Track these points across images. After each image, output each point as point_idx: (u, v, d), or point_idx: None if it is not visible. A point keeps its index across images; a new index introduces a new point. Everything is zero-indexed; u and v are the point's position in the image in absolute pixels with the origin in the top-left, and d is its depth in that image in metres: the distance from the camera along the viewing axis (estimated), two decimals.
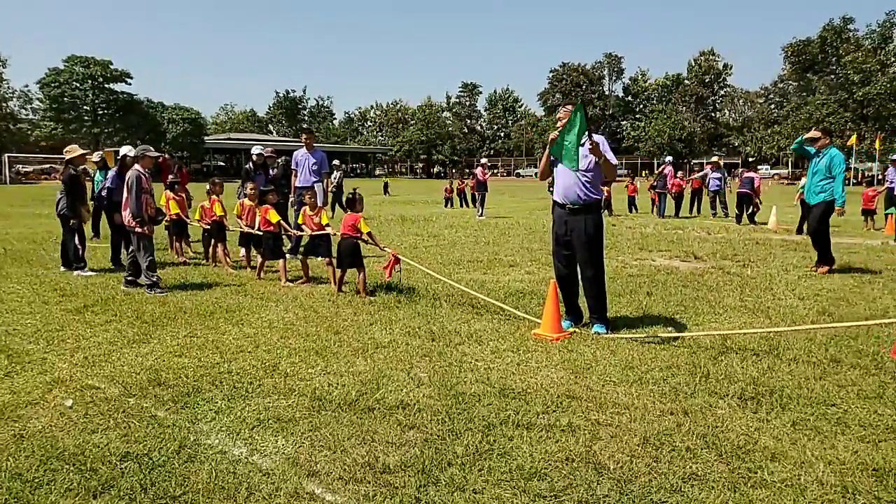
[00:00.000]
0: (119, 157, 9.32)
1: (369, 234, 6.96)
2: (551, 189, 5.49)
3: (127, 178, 7.11)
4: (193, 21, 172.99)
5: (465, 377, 4.22)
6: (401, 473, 2.91)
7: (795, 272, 8.46)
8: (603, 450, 3.16)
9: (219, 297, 6.74)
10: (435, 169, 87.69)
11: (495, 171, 73.81)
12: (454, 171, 35.17)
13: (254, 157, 10.83)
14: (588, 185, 5.28)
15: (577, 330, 5.43)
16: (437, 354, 4.74)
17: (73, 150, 8.38)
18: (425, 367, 4.45)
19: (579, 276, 5.49)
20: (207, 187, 9.58)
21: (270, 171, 11.02)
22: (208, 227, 9.15)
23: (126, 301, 6.54)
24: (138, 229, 6.98)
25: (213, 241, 9.10)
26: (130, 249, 7.22)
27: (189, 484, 2.82)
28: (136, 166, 7.19)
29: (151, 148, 7.55)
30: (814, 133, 8.65)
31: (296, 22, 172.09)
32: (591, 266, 5.35)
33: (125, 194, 7.06)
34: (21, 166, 51.70)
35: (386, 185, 35.78)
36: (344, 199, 7.85)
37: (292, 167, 9.92)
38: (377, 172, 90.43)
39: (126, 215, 7.04)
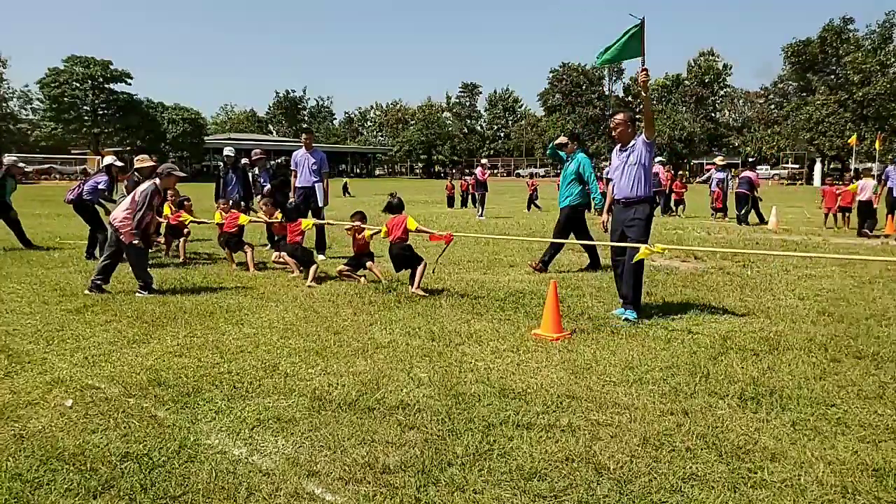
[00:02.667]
0: (104, 166, 9.66)
1: (417, 228, 7.00)
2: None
3: (141, 191, 6.92)
4: (193, 21, 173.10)
5: (465, 377, 4.22)
6: (401, 473, 2.91)
7: (795, 272, 8.47)
8: (603, 450, 3.16)
9: (219, 297, 6.74)
10: (435, 169, 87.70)
11: (495, 171, 73.76)
12: (454, 171, 34.71)
13: (224, 158, 10.94)
14: (639, 182, 5.94)
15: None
16: (437, 354, 4.74)
17: (143, 161, 8.47)
18: (425, 367, 4.45)
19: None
20: (220, 205, 9.54)
21: (265, 176, 11.07)
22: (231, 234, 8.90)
23: (126, 301, 6.54)
24: (134, 241, 6.79)
25: (233, 249, 8.93)
26: (106, 253, 7.05)
27: (189, 484, 2.82)
28: (156, 181, 7.05)
29: (177, 168, 7.49)
30: (562, 139, 8.75)
31: (295, 22, 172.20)
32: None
33: (126, 203, 6.92)
34: (21, 165, 51.66)
35: (345, 186, 34.65)
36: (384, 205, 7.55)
37: (292, 167, 9.93)
38: (377, 172, 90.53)
39: (120, 221, 6.81)
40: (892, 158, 14.98)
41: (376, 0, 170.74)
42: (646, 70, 5.75)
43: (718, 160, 19.78)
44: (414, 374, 4.28)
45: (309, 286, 7.33)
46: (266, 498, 2.72)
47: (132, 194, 7.02)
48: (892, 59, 57.26)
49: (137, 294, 6.79)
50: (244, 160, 11.73)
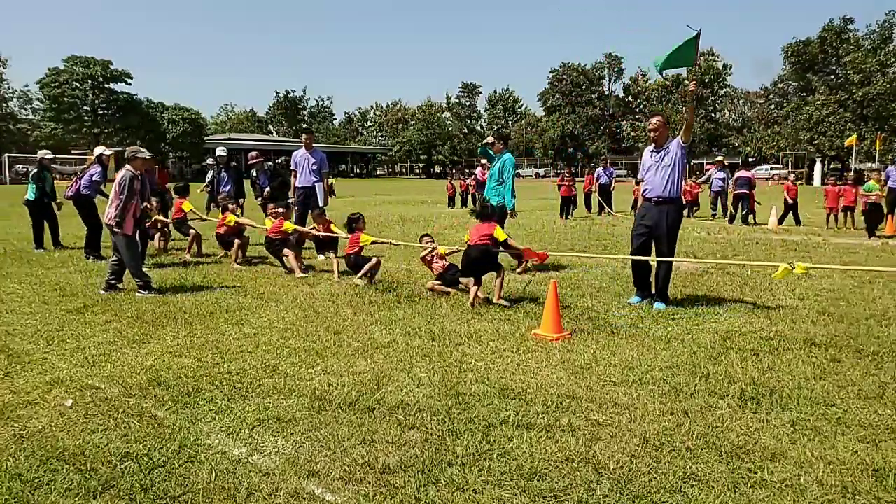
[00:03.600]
0: (95, 156, 9.75)
1: (505, 241, 6.56)
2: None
3: (119, 180, 6.89)
4: (193, 21, 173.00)
5: (465, 377, 4.23)
6: (401, 473, 2.91)
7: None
8: (603, 450, 3.16)
9: (219, 297, 6.74)
10: (435, 169, 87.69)
11: None
12: (454, 171, 34.74)
13: (217, 158, 10.97)
14: (671, 183, 6.24)
15: (642, 305, 6.16)
16: (437, 354, 4.74)
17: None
18: (425, 367, 4.45)
19: (653, 258, 6.40)
20: (271, 209, 9.35)
21: (263, 178, 11.10)
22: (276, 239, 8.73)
23: (126, 301, 6.54)
24: (116, 229, 6.80)
25: (275, 254, 8.84)
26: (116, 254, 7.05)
27: (189, 484, 2.82)
28: (128, 167, 7.02)
29: (143, 149, 7.45)
30: (489, 139, 8.69)
31: (295, 22, 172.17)
32: (667, 249, 6.28)
33: (112, 197, 6.89)
34: (21, 166, 51.73)
35: (331, 187, 34.53)
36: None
37: (291, 168, 9.93)
38: (378, 172, 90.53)
39: (113, 218, 6.81)
40: (892, 158, 14.97)
41: (376, 0, 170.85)
42: (695, 80, 6.07)
43: (720, 159, 19.79)
44: (414, 374, 4.28)
45: (354, 283, 7.42)
46: (266, 498, 2.72)
47: (112, 187, 6.99)
48: (892, 59, 57.21)
49: (137, 294, 6.79)
50: (252, 160, 11.77)
